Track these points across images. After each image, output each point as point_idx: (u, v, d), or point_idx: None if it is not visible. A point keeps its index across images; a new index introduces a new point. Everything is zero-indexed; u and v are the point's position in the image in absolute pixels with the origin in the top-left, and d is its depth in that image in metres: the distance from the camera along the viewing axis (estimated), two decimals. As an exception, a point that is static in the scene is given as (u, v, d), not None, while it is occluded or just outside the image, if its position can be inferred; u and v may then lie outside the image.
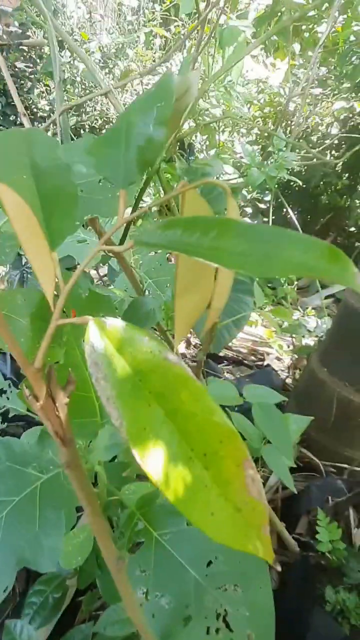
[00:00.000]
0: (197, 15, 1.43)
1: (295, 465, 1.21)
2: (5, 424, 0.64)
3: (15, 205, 0.16)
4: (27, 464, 0.46)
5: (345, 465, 1.19)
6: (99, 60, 2.19)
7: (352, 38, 2.40)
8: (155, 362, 0.21)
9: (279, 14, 2.48)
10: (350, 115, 2.16)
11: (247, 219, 2.24)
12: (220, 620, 0.41)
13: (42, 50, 2.39)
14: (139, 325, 0.54)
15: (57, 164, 0.26)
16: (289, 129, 2.34)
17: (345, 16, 2.29)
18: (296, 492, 1.01)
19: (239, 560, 0.43)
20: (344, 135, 2.20)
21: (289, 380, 1.66)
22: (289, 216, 2.90)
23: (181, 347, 1.94)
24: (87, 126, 2.34)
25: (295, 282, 1.88)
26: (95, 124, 2.33)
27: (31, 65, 2.41)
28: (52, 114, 2.25)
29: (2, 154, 0.24)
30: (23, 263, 1.09)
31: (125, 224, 0.35)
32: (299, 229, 2.24)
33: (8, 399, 0.62)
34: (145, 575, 0.44)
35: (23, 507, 0.42)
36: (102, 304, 0.49)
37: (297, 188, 2.64)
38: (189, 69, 1.47)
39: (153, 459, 0.20)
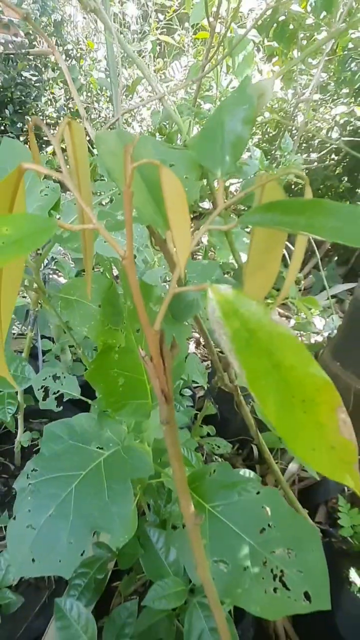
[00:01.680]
0: (199, 25, 1.48)
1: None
2: (61, 407, 0.67)
3: (173, 184, 0.19)
4: (88, 442, 0.49)
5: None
6: (106, 68, 2.24)
7: (350, 45, 2.47)
8: (262, 322, 0.24)
9: (279, 21, 2.55)
10: (350, 119, 2.22)
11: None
12: (277, 580, 0.44)
13: (48, 59, 2.43)
14: (182, 314, 0.58)
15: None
16: (289, 133, 2.39)
17: (344, 24, 2.36)
18: (317, 479, 1.05)
19: (290, 527, 0.47)
20: (344, 139, 2.26)
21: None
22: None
23: (191, 347, 1.97)
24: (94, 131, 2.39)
25: (302, 282, 1.92)
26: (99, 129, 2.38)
27: (37, 74, 2.46)
28: (59, 120, 2.29)
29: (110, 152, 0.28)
30: (45, 264, 1.12)
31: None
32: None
33: (62, 384, 0.65)
34: (206, 543, 0.48)
35: (90, 479, 0.45)
36: (152, 292, 0.53)
37: (299, 191, 2.70)
38: (197, 75, 1.52)
39: (266, 402, 0.24)
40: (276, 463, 1.24)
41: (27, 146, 0.60)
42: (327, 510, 1.09)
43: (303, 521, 0.47)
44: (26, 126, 2.39)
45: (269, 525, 0.47)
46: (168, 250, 0.53)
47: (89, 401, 0.67)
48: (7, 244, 0.17)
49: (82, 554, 0.41)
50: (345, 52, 2.49)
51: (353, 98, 2.43)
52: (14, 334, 1.36)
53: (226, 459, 1.11)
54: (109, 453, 0.48)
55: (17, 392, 0.96)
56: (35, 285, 0.65)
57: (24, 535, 0.43)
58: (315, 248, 1.86)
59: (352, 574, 0.83)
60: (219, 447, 0.93)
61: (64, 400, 0.67)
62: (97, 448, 0.48)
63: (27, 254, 0.19)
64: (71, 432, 0.50)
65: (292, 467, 1.22)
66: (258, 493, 0.49)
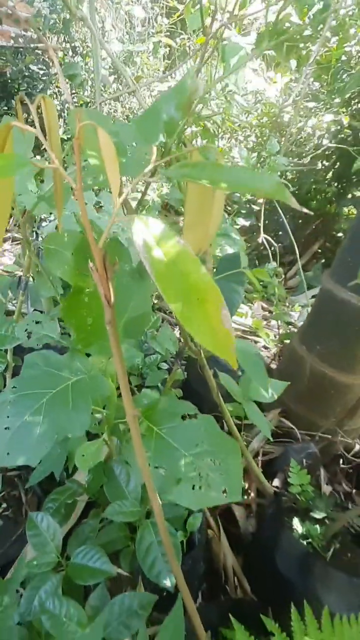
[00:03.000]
0: (201, 30, 1.60)
1: (274, 433, 1.36)
2: (40, 346, 0.78)
3: (105, 140, 0.30)
4: (60, 370, 0.60)
5: (319, 434, 1.34)
6: (109, 67, 2.35)
7: (343, 58, 2.59)
8: (171, 243, 0.35)
9: (279, 32, 2.66)
10: (339, 127, 2.34)
11: (241, 219, 2.40)
12: (203, 480, 0.55)
13: (55, 54, 2.53)
14: (146, 272, 0.68)
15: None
16: (283, 138, 2.51)
17: (337, 37, 2.48)
18: (271, 439, 1.16)
19: (218, 443, 0.58)
20: (333, 145, 2.38)
21: (273, 366, 1.81)
22: (280, 220, 3.07)
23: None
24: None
25: (281, 277, 2.03)
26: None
27: (44, 68, 2.56)
28: (62, 113, 2.39)
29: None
30: (39, 240, 1.23)
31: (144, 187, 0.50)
32: (289, 232, 2.39)
33: (43, 327, 0.76)
34: (148, 456, 0.58)
35: (59, 396, 0.56)
36: (122, 250, 0.63)
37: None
38: (194, 77, 1.63)
39: (174, 302, 0.34)
40: (243, 436, 1.35)
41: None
42: (284, 476, 1.19)
43: (228, 439, 0.58)
44: (30, 117, 2.49)
45: (202, 441, 0.58)
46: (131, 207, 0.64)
47: (65, 344, 0.78)
48: (-4, 168, 0.28)
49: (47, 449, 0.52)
50: (339, 64, 2.61)
51: (344, 107, 2.55)
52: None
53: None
54: (77, 378, 0.59)
55: (6, 351, 1.06)
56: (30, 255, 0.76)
57: (2, 435, 0.54)
58: (292, 253, 1.97)
59: (295, 522, 0.94)
60: (184, 408, 1.03)
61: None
62: (67, 374, 0.59)
63: (11, 178, 0.30)
64: (47, 361, 0.60)
65: (257, 440, 1.33)
66: (196, 418, 0.60)
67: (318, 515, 0.97)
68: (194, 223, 0.48)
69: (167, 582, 0.63)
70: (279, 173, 2.32)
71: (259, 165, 1.73)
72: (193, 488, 0.54)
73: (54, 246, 0.55)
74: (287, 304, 2.59)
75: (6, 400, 0.56)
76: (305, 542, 0.91)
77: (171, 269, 0.35)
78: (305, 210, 0.35)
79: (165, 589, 0.66)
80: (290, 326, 2.16)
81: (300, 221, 3.06)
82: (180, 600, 0.56)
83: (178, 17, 2.26)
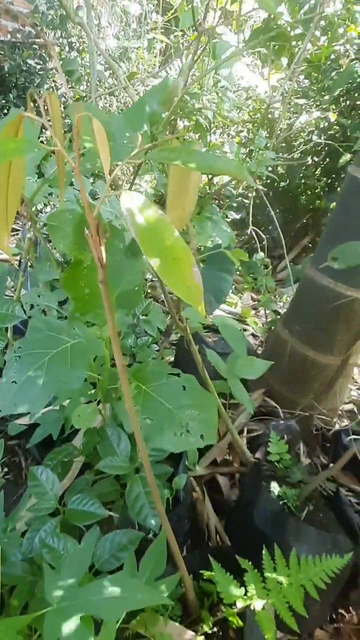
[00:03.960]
0: (194, 28, 1.67)
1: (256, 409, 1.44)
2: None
3: (98, 127, 0.37)
4: (60, 333, 0.68)
5: (300, 412, 1.43)
6: (105, 62, 2.42)
7: (332, 56, 2.67)
8: (152, 214, 0.43)
9: (271, 29, 2.74)
10: (327, 124, 2.42)
11: (232, 212, 2.47)
12: (184, 428, 0.63)
13: (54, 49, 2.59)
14: (138, 251, 0.76)
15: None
16: (274, 134, 2.59)
17: (327, 37, 2.56)
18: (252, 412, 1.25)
19: (198, 397, 0.66)
20: (321, 142, 2.46)
21: (259, 351, 1.90)
22: (271, 214, 3.15)
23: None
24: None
25: (269, 267, 2.11)
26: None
27: (41, 62, 2.62)
28: (60, 107, 2.45)
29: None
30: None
31: (135, 170, 0.58)
32: (278, 226, 2.46)
33: (43, 298, 0.84)
34: (137, 409, 0.67)
35: (60, 356, 0.64)
36: (116, 230, 0.71)
37: (280, 189, 2.90)
38: (186, 74, 1.70)
39: (155, 260, 0.42)
40: (230, 413, 1.43)
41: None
42: (265, 449, 1.28)
43: (206, 394, 0.66)
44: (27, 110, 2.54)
45: (184, 397, 0.66)
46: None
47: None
48: (13, 149, 0.36)
49: (49, 399, 0.60)
50: (328, 63, 2.69)
51: (333, 104, 2.63)
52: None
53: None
54: (75, 341, 0.67)
55: (7, 329, 1.14)
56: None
57: (9, 388, 0.62)
58: (282, 247, 2.06)
59: (273, 485, 1.03)
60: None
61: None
62: (66, 338, 0.67)
63: (23, 157, 0.38)
64: (49, 326, 0.68)
65: (242, 417, 1.41)
66: (179, 377, 0.68)
67: (293, 479, 1.06)
68: (174, 202, 0.56)
69: (153, 522, 0.72)
70: (270, 168, 2.41)
71: (247, 159, 1.80)
72: (175, 435, 0.62)
73: (57, 223, 0.62)
74: (276, 295, 2.68)
75: (12, 358, 0.64)
76: (281, 503, 1.00)
77: (151, 232, 0.43)
78: (258, 185, 0.43)
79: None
80: (277, 315, 2.25)
81: (290, 216, 3.15)
82: (164, 533, 0.65)
83: (172, 14, 2.33)
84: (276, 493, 1.01)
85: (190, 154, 0.43)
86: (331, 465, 1.38)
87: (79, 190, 0.75)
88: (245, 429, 1.44)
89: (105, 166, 0.39)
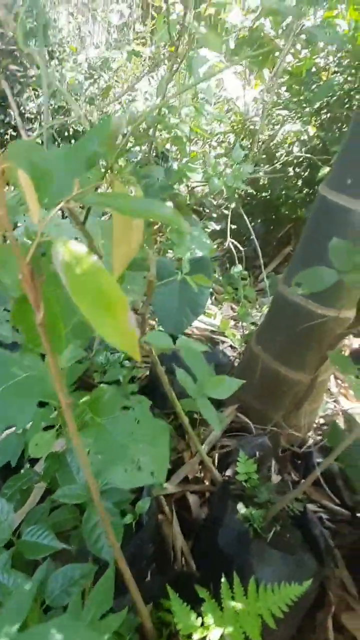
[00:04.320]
0: (177, 38, 1.67)
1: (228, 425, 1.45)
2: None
3: (25, 180, 0.37)
4: (11, 366, 0.67)
5: (272, 428, 1.43)
6: (85, 71, 2.41)
7: (313, 69, 2.70)
8: (85, 260, 0.43)
9: (257, 42, 2.78)
10: (307, 137, 2.45)
11: (212, 223, 2.48)
12: (135, 464, 0.62)
13: (35, 56, 2.57)
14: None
15: (43, 161, 0.48)
16: (254, 145, 2.60)
17: (308, 50, 2.59)
18: (221, 434, 1.25)
19: (151, 429, 0.65)
20: (301, 155, 2.48)
21: (237, 363, 1.90)
22: (252, 224, 3.17)
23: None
24: (71, 129, 2.54)
25: (247, 280, 2.12)
26: (78, 127, 2.54)
27: (22, 70, 2.60)
28: (39, 116, 2.43)
29: (15, 156, 0.45)
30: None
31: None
32: (255, 238, 2.47)
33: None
34: (89, 443, 0.66)
35: (8, 390, 0.63)
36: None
37: (261, 199, 2.92)
38: (165, 89, 1.70)
39: (87, 309, 0.42)
40: (202, 430, 1.43)
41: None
42: (235, 467, 1.28)
43: (160, 424, 0.66)
44: (7, 118, 2.52)
45: (136, 430, 0.66)
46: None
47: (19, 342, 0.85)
48: None
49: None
50: (310, 75, 2.71)
51: (314, 117, 2.66)
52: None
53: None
54: (26, 375, 0.66)
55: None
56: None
57: None
58: (259, 258, 2.07)
59: (239, 506, 1.03)
60: (140, 402, 1.11)
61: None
62: (17, 371, 0.66)
63: None
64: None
65: (214, 433, 1.41)
66: (133, 409, 0.68)
67: (261, 499, 1.06)
68: (120, 238, 0.55)
69: (107, 556, 0.71)
70: (250, 179, 2.42)
71: (227, 169, 1.81)
72: (126, 471, 0.62)
73: (2, 257, 0.62)
74: (257, 306, 2.69)
75: None
76: (247, 524, 1.00)
77: (84, 279, 0.42)
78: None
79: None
80: (254, 326, 2.26)
81: (272, 225, 3.17)
82: (113, 567, 0.64)
83: (153, 25, 2.33)
84: (242, 513, 1.01)
85: (126, 200, 0.43)
86: (302, 481, 1.38)
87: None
88: (218, 445, 1.44)
89: (34, 215, 0.39)
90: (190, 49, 1.65)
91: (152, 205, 0.43)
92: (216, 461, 1.37)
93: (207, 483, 1.28)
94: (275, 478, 1.30)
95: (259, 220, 3.12)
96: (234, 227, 2.49)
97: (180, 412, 1.10)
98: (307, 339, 1.33)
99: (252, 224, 3.15)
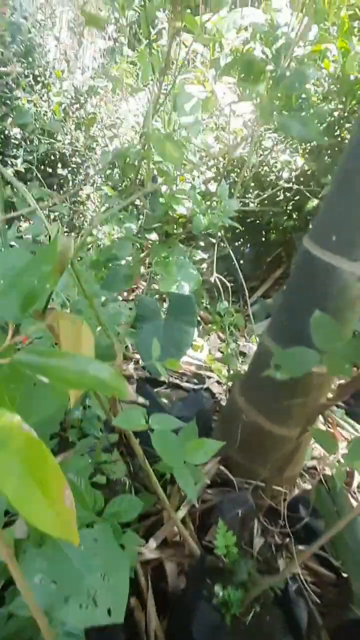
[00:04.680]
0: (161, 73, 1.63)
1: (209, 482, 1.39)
2: None
3: None
4: None
5: (256, 482, 1.38)
6: (72, 96, 2.36)
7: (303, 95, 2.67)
8: (15, 432, 0.37)
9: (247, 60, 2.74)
10: (294, 167, 2.42)
11: (200, 252, 2.43)
12: (90, 599, 0.57)
13: (20, 79, 2.52)
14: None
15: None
16: (244, 169, 2.56)
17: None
18: (197, 505, 1.20)
19: (110, 557, 0.60)
20: (290, 186, 2.45)
21: (224, 403, 1.85)
22: (242, 248, 3.13)
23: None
24: (57, 153, 2.49)
25: (232, 316, 2.08)
26: (65, 151, 2.48)
27: (7, 92, 2.54)
28: (22, 142, 2.36)
29: None
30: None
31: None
32: (234, 260, 2.38)
33: None
34: (43, 568, 0.60)
35: None
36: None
37: (251, 224, 2.88)
38: (150, 123, 1.66)
39: (7, 486, 0.36)
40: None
41: None
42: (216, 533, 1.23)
43: (119, 553, 0.60)
44: (-9, 142, 2.45)
45: (95, 554, 0.60)
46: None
47: None
48: None
49: None
50: (299, 101, 2.68)
51: (303, 143, 2.63)
52: None
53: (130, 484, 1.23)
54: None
55: None
56: None
57: None
58: (255, 279, 2.02)
59: (217, 588, 0.97)
60: (114, 472, 1.06)
61: None
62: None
63: None
64: None
65: (196, 488, 1.36)
66: (92, 527, 0.62)
67: (239, 579, 1.00)
68: (70, 349, 0.50)
69: None
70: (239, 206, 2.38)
71: (210, 207, 1.76)
72: (80, 607, 0.56)
73: None
74: (245, 334, 2.64)
75: None
76: (224, 609, 0.95)
77: (7, 456, 0.37)
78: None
79: None
80: (243, 359, 2.21)
81: (262, 248, 3.13)
82: None
83: (141, 51, 2.29)
84: (219, 597, 0.96)
85: (62, 361, 0.37)
86: (287, 540, 1.33)
87: None
88: (199, 500, 1.38)
89: None
90: (175, 85, 1.60)
91: (89, 368, 0.38)
92: (197, 520, 1.32)
93: (186, 548, 1.22)
94: (258, 541, 1.25)
95: (249, 245, 3.09)
96: (223, 251, 2.43)
97: (154, 481, 1.04)
98: (292, 393, 1.28)
99: (242, 248, 3.12)
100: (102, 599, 0.57)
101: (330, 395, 1.29)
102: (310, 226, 1.23)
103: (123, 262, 1.46)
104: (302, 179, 2.57)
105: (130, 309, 1.86)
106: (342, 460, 1.51)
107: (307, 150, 2.53)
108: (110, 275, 0.96)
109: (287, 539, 1.29)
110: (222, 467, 1.43)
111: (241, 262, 3.02)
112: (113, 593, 0.57)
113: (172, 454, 0.84)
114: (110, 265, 1.31)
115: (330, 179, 2.42)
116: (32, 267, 0.42)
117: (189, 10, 2.12)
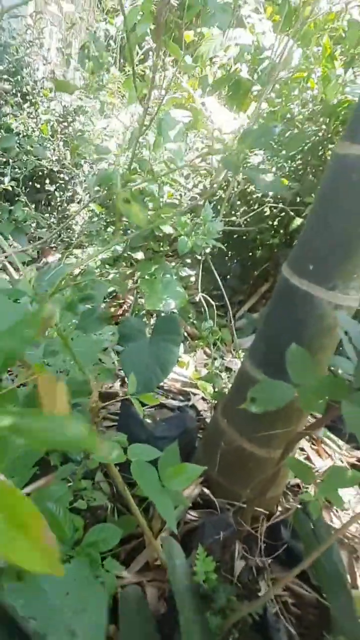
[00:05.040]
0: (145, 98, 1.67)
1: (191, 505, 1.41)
2: None
3: None
4: None
5: (238, 504, 1.40)
6: (59, 114, 2.39)
7: (288, 116, 2.74)
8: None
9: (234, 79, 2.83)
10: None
11: (186, 268, 2.46)
12: (68, 632, 0.58)
13: (7, 96, 2.54)
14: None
15: None
16: (230, 187, 2.61)
17: (282, 98, 2.64)
18: (176, 532, 1.21)
19: (86, 592, 0.61)
20: (275, 205, 2.50)
21: (208, 421, 1.87)
22: (229, 263, 3.17)
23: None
24: (45, 169, 2.51)
25: (218, 335, 2.11)
26: (53, 167, 2.50)
27: (-5, 109, 2.56)
28: (11, 161, 2.38)
29: None
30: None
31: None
32: (218, 278, 2.41)
33: None
34: (20, 603, 0.61)
35: None
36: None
37: (237, 240, 2.93)
38: (135, 144, 1.69)
39: None
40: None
41: None
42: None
43: (96, 588, 0.62)
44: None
45: (72, 590, 0.61)
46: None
47: None
48: None
49: None
50: (284, 121, 2.75)
51: (288, 161, 2.69)
52: None
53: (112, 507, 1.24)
54: None
55: None
56: None
57: None
58: (241, 293, 2.05)
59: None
60: (94, 499, 1.07)
61: None
62: None
63: None
64: None
65: (177, 511, 1.37)
66: (70, 562, 0.64)
67: (218, 605, 1.02)
68: (47, 405, 0.52)
69: None
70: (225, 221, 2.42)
71: (194, 229, 1.80)
72: (57, 643, 0.57)
73: None
74: (232, 349, 2.67)
75: None
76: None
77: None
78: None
79: None
80: (229, 374, 2.23)
81: (249, 263, 3.18)
82: None
83: (127, 72, 2.33)
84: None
85: (35, 421, 0.40)
86: (269, 561, 1.35)
87: None
88: (182, 521, 1.39)
89: None
90: (160, 109, 1.64)
91: (63, 428, 0.40)
92: (179, 542, 1.33)
93: (167, 572, 1.23)
94: (239, 564, 1.27)
95: (235, 260, 3.13)
96: (215, 264, 2.46)
97: (134, 508, 1.05)
98: (273, 416, 1.30)
99: (229, 263, 3.17)
100: (81, 634, 0.58)
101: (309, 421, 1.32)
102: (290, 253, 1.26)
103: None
104: (287, 198, 2.63)
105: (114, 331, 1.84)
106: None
107: (292, 170, 2.59)
108: (86, 316, 0.98)
109: (269, 561, 1.31)
110: (204, 489, 1.45)
111: (228, 277, 3.06)
112: (89, 627, 0.58)
113: (151, 484, 0.86)
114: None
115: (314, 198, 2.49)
116: (16, 331, 0.44)
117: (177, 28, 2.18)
